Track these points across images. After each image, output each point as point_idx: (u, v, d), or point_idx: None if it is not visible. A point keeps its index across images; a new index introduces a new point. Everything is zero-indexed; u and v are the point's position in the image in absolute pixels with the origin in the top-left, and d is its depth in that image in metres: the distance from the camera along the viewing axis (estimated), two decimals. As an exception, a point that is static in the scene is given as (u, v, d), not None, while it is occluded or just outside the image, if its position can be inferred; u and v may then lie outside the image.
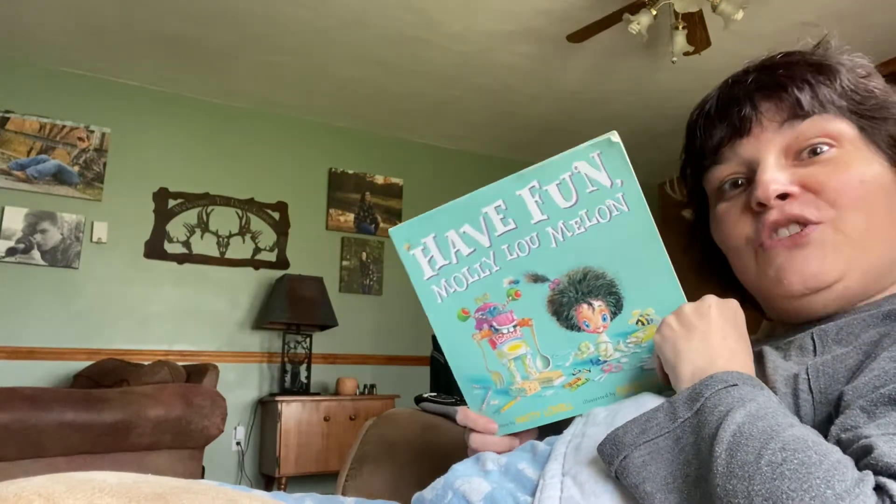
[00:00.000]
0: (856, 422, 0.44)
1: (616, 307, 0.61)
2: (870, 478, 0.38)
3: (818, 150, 0.58)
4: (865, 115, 0.58)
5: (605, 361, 0.62)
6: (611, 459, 0.48)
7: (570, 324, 0.62)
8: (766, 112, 0.60)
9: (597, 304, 0.61)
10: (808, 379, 0.51)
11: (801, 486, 0.37)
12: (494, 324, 0.64)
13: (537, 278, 0.62)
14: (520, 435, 0.68)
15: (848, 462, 0.39)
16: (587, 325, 0.61)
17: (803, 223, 0.57)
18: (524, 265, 0.61)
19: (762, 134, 0.60)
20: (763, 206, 0.59)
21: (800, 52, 0.62)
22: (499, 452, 0.64)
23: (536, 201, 0.59)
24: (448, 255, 0.63)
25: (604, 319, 0.61)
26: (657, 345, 0.56)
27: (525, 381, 0.65)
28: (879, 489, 0.37)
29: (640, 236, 0.58)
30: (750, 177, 0.61)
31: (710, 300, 0.57)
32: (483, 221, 0.61)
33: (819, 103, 0.58)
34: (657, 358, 0.58)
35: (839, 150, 0.58)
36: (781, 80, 0.59)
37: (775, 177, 0.58)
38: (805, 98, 0.58)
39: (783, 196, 0.58)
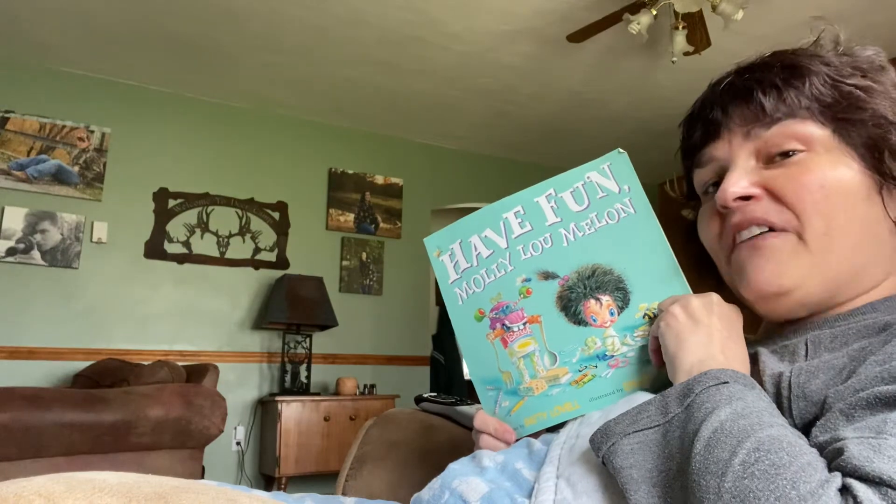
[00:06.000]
0: (834, 424, 0.44)
1: (623, 302, 0.63)
2: (837, 479, 0.38)
3: (789, 153, 0.58)
4: (838, 116, 0.58)
5: (612, 356, 0.63)
6: (599, 446, 0.49)
7: (577, 319, 0.64)
8: (736, 117, 0.61)
9: (604, 298, 0.63)
10: (790, 377, 0.51)
11: (768, 487, 0.38)
12: (506, 322, 0.66)
13: (548, 275, 0.65)
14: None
15: (819, 464, 0.40)
16: (594, 320, 0.63)
17: (768, 227, 0.58)
18: (537, 263, 0.65)
19: (732, 138, 0.61)
20: (727, 209, 0.60)
21: (782, 52, 0.63)
22: None
23: (552, 206, 0.65)
24: (470, 259, 0.68)
25: (611, 314, 0.63)
26: (661, 332, 0.57)
27: (533, 380, 0.66)
28: (845, 490, 0.37)
29: (647, 235, 0.62)
30: (720, 181, 0.62)
31: (716, 298, 0.59)
32: (503, 226, 0.66)
33: (786, 107, 0.58)
34: (654, 340, 0.59)
35: (808, 154, 0.58)
36: (749, 84, 0.60)
37: (735, 181, 0.59)
38: (769, 103, 0.59)
39: (746, 198, 0.58)
